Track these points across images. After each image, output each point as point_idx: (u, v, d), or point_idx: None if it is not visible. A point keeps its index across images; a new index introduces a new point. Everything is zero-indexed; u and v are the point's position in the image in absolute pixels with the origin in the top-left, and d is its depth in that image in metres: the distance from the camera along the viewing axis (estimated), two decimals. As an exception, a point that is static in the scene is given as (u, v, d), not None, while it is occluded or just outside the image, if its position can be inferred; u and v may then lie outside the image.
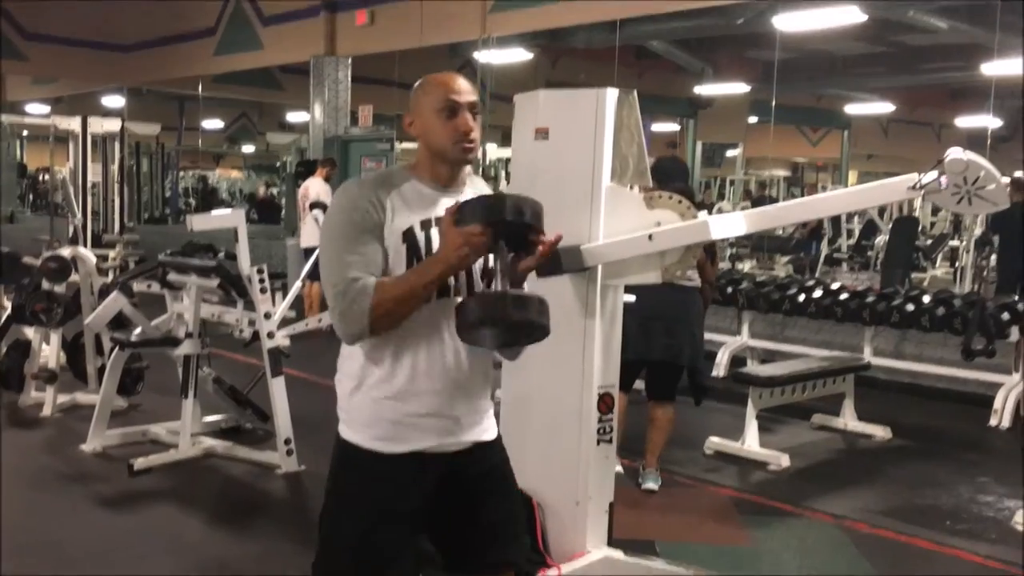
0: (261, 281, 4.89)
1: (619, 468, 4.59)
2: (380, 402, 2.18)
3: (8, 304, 6.70)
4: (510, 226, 2.09)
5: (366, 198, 2.12)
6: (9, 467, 5.02)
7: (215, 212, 7.16)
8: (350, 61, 11.55)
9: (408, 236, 2.14)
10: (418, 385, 2.17)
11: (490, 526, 2.29)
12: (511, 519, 2.37)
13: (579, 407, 3.59)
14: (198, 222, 5.04)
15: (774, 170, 21.30)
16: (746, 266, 12.71)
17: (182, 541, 4.16)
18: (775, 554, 4.22)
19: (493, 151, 14.41)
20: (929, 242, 13.63)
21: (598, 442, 3.62)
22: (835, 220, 14.02)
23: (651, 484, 4.86)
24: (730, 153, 19.42)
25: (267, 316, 4.91)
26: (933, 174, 3.07)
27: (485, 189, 2.35)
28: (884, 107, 18.35)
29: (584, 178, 3.54)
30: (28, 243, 11.98)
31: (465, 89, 2.19)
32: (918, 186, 3.11)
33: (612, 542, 3.69)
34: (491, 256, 2.20)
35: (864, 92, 17.87)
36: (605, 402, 3.63)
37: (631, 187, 3.62)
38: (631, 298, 3.90)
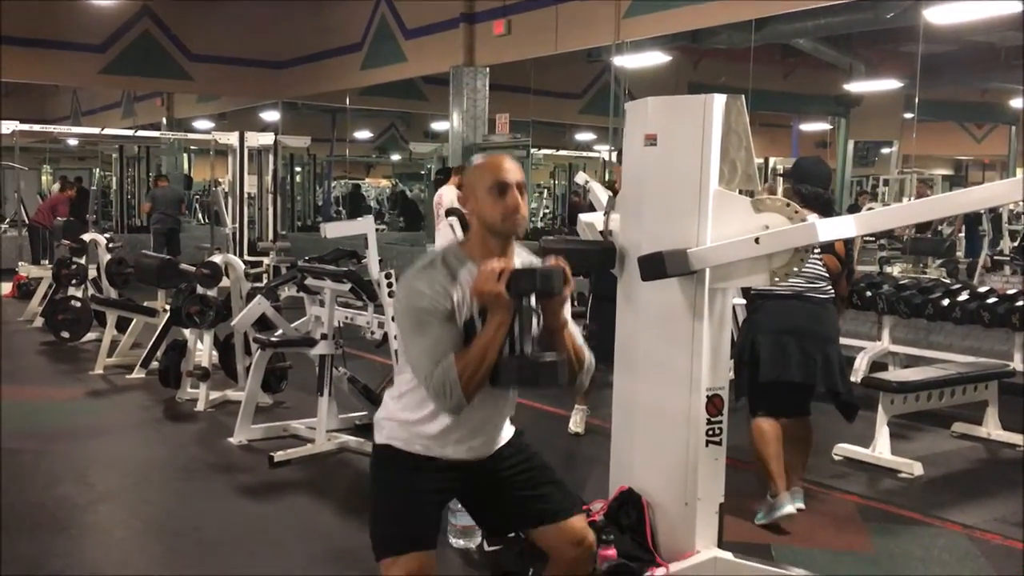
0: (389, 285, 5.11)
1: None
2: (418, 437, 2.54)
3: (168, 307, 7.22)
4: (538, 294, 2.40)
5: (433, 288, 2.38)
6: (161, 457, 5.48)
7: (346, 221, 7.50)
8: (488, 70, 11.80)
9: (469, 326, 2.41)
10: (454, 429, 2.51)
11: (542, 487, 2.65)
12: (553, 479, 2.71)
13: (688, 409, 3.62)
14: (331, 230, 5.32)
15: (934, 168, 20.33)
16: (895, 269, 12.22)
17: (314, 529, 4.41)
18: (896, 561, 4.11)
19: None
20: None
21: (707, 443, 3.63)
22: (995, 222, 13.30)
23: (789, 508, 4.33)
24: (885, 151, 18.70)
25: (394, 319, 5.12)
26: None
27: (530, 258, 2.59)
28: (1054, 100, 17.26)
29: (692, 183, 3.56)
30: (192, 251, 12.86)
31: (512, 169, 2.44)
32: (1035, 185, 3.03)
33: (724, 544, 3.70)
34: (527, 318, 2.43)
35: (1031, 85, 16.87)
36: (714, 404, 3.65)
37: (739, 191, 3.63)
38: (740, 301, 3.88)
